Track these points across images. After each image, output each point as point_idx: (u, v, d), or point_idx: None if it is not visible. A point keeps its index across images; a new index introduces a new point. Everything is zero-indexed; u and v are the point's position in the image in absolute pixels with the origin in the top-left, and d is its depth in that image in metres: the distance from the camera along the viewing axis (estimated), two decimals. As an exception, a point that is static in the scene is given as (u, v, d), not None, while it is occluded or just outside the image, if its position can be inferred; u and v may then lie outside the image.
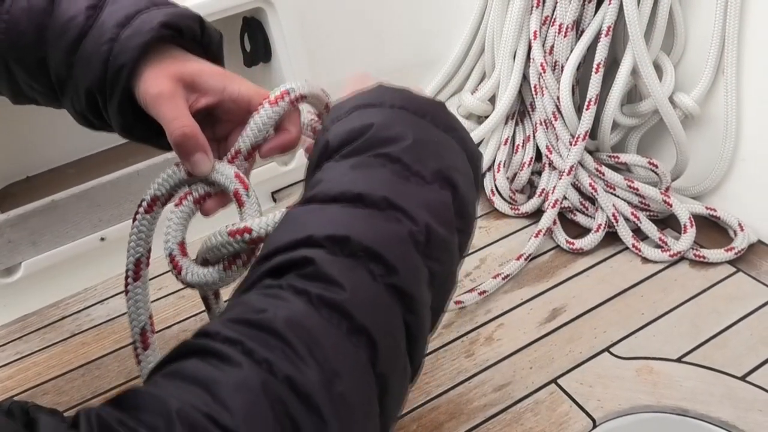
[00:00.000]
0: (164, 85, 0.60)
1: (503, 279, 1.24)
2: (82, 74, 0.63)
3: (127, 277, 0.65)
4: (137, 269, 0.65)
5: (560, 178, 1.33)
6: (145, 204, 0.64)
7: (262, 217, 0.59)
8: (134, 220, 0.64)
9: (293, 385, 0.40)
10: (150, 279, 1.33)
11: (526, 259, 1.28)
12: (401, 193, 0.50)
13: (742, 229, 1.28)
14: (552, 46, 1.33)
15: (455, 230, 0.52)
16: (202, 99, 0.63)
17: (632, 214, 1.32)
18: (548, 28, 1.34)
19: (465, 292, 1.21)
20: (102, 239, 1.28)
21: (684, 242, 1.27)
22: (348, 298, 0.44)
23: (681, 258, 1.28)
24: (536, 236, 1.30)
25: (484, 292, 1.21)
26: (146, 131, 0.66)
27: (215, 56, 0.68)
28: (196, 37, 0.65)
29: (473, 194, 0.56)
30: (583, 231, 1.36)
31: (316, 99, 0.67)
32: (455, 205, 0.52)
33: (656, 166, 1.30)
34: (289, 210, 0.52)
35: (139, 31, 0.61)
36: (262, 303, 0.44)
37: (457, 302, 1.18)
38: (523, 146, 1.43)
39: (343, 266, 0.46)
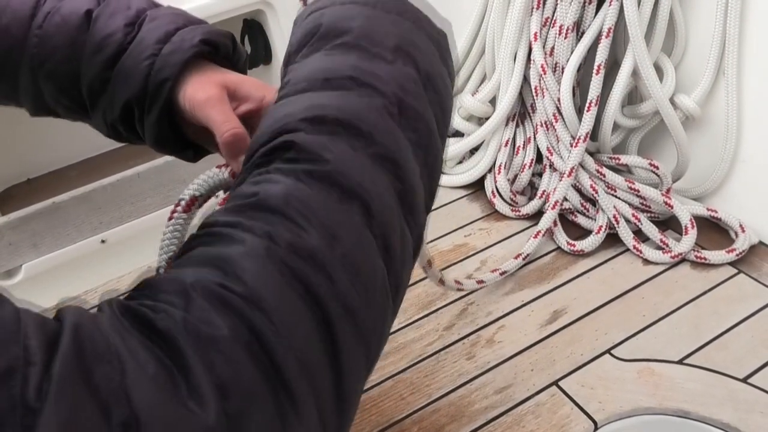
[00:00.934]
0: (212, 91, 0.64)
1: (500, 274, 1.23)
2: (121, 88, 0.66)
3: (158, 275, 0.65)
4: (170, 267, 0.64)
5: (561, 180, 1.33)
6: (183, 203, 0.63)
7: None
8: (170, 218, 0.64)
9: (296, 249, 0.41)
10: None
11: (523, 259, 1.28)
12: (366, 70, 0.50)
13: (743, 231, 1.28)
14: (552, 48, 1.33)
15: (427, 103, 0.52)
16: (242, 106, 0.66)
17: (633, 215, 1.32)
18: (549, 29, 1.33)
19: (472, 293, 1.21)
20: (103, 241, 1.28)
21: (685, 244, 1.27)
22: (334, 168, 0.45)
23: (682, 259, 1.28)
24: (535, 237, 1.30)
25: (482, 281, 1.20)
26: (177, 143, 0.70)
27: (242, 72, 0.72)
28: (228, 54, 0.70)
29: (441, 68, 0.56)
30: (584, 232, 1.35)
31: None
32: (421, 77, 0.53)
33: (657, 168, 1.30)
34: None
35: (180, 47, 0.65)
36: (254, 189, 0.45)
37: (457, 282, 1.16)
38: (523, 148, 1.43)
39: (324, 141, 0.46)
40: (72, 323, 0.35)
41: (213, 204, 0.65)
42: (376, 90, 0.49)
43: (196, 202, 0.64)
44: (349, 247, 0.43)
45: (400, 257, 0.48)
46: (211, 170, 0.64)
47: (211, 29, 0.68)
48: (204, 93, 0.64)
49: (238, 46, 0.71)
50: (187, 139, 0.70)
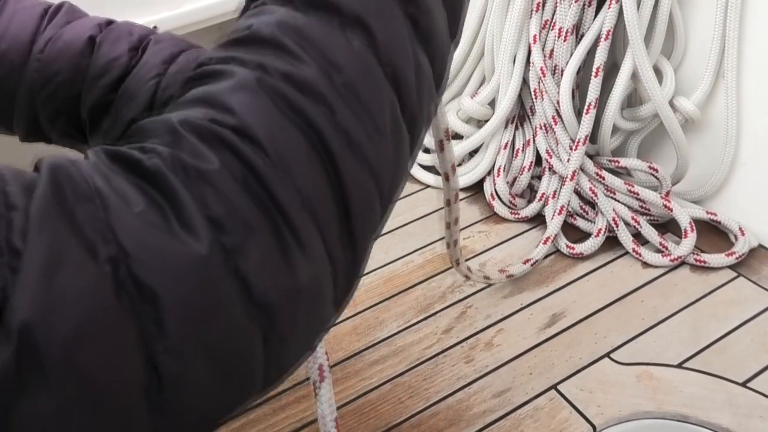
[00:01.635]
0: None
1: (507, 276, 1.23)
2: (126, 107, 0.67)
3: None
4: None
5: (563, 184, 1.33)
6: None
7: None
8: None
9: (291, 79, 0.39)
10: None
11: (532, 265, 1.27)
12: None
13: (742, 234, 1.28)
14: (552, 50, 1.33)
15: None
16: None
17: (632, 218, 1.31)
18: (548, 31, 1.33)
19: (471, 297, 1.21)
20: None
21: (684, 247, 1.27)
22: None
23: (681, 263, 1.27)
24: (544, 243, 1.29)
25: (488, 278, 1.20)
26: None
27: None
28: None
29: None
30: (584, 235, 1.35)
31: None
32: None
33: (656, 171, 1.29)
34: None
35: (186, 67, 0.67)
36: (248, 21, 0.42)
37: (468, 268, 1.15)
38: (522, 150, 1.43)
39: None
40: (49, 166, 0.34)
41: None
42: None
43: None
44: (351, 77, 0.40)
45: (416, 88, 0.44)
46: None
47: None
48: None
49: None
50: None
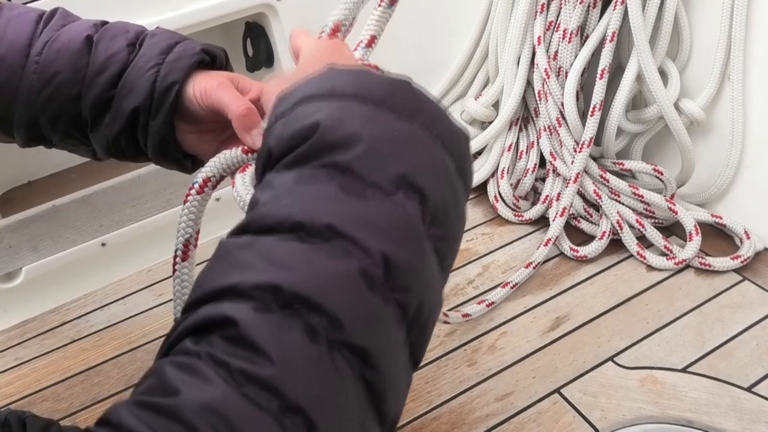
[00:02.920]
0: (221, 78, 0.69)
1: (512, 288, 1.22)
2: (126, 98, 0.69)
3: (175, 257, 0.66)
4: (186, 250, 0.66)
5: (566, 186, 1.32)
6: (197, 185, 0.64)
7: None
8: (185, 202, 0.65)
9: None
10: (153, 284, 1.32)
11: (534, 268, 1.27)
12: (351, 215, 0.42)
13: (748, 237, 1.27)
14: (556, 52, 1.32)
15: (427, 247, 0.44)
16: (246, 95, 0.69)
17: (637, 221, 1.31)
18: (552, 33, 1.33)
19: (471, 302, 1.20)
20: (103, 245, 1.27)
21: (689, 250, 1.26)
22: (277, 372, 0.37)
23: (686, 266, 1.27)
24: (545, 245, 1.29)
25: (492, 303, 1.20)
26: (178, 152, 0.72)
27: None
28: (222, 66, 0.74)
29: (454, 193, 0.47)
30: (587, 238, 1.34)
31: None
32: (428, 212, 0.44)
33: (661, 173, 1.29)
34: (223, 241, 0.45)
35: (183, 55, 0.69)
36: (176, 379, 0.38)
37: (464, 315, 1.16)
38: (526, 152, 1.42)
39: (274, 326, 0.39)
40: None
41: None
42: (357, 245, 0.41)
43: (209, 182, 0.64)
44: None
45: None
46: (222, 153, 0.65)
47: (208, 44, 0.73)
48: (215, 80, 0.68)
49: (229, 60, 0.76)
50: (185, 151, 0.73)
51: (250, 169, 0.62)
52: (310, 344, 0.39)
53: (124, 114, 0.70)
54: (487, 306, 1.19)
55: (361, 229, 0.41)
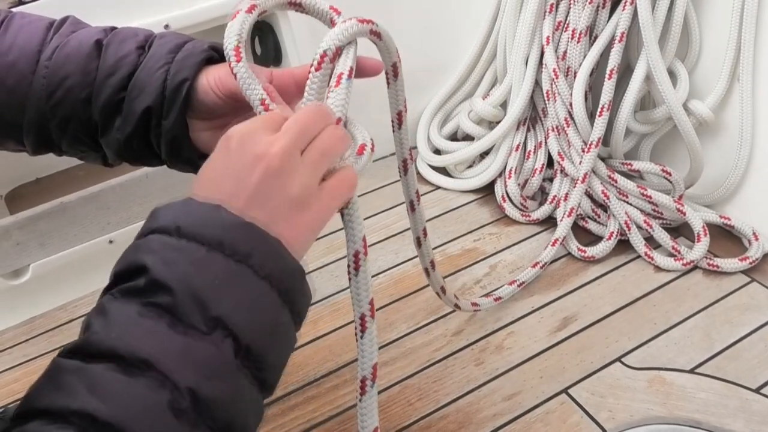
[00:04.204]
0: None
1: (518, 286, 1.22)
2: (137, 100, 0.70)
3: None
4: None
5: (574, 186, 1.32)
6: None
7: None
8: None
9: None
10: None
11: (541, 267, 1.26)
12: (168, 351, 0.47)
13: (756, 239, 1.27)
14: (565, 52, 1.32)
15: (241, 376, 0.49)
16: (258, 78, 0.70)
17: (645, 222, 1.30)
18: (561, 33, 1.32)
19: (480, 296, 1.20)
20: (110, 242, 1.27)
21: (697, 251, 1.25)
22: None
23: (694, 267, 1.26)
24: (553, 245, 1.29)
25: (500, 298, 1.19)
26: (191, 151, 0.72)
27: None
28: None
29: (276, 323, 0.52)
30: (595, 239, 1.34)
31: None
32: (242, 348, 0.49)
33: (670, 174, 1.28)
34: (56, 359, 0.48)
35: (192, 52, 0.70)
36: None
37: (473, 304, 1.16)
38: (534, 152, 1.42)
39: None
40: None
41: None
42: (168, 379, 0.45)
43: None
44: None
45: None
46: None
47: (215, 42, 0.73)
48: (225, 68, 0.68)
49: None
50: (199, 151, 0.72)
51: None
52: None
53: (135, 115, 0.70)
54: (495, 300, 1.19)
55: (175, 364, 0.46)
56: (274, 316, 0.51)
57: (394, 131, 0.78)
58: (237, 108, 0.69)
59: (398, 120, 0.76)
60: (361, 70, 0.64)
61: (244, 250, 0.50)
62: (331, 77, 0.62)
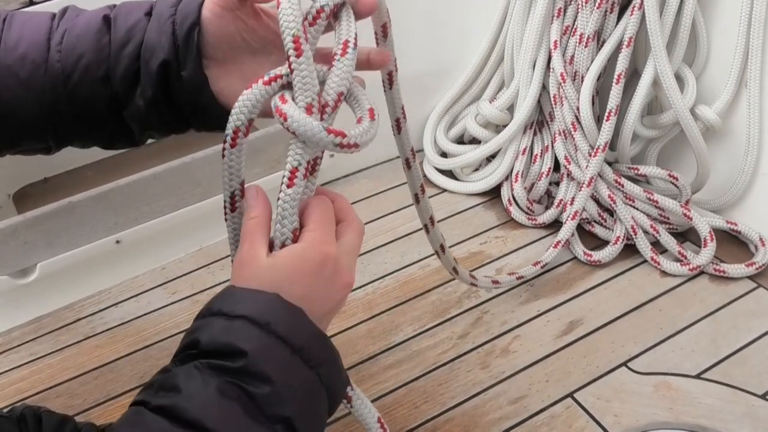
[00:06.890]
0: None
1: (517, 279, 1.22)
2: (152, 59, 0.70)
3: (225, 210, 0.67)
4: (233, 202, 0.67)
5: (580, 190, 1.32)
6: (229, 138, 0.63)
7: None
8: (222, 156, 0.65)
9: None
10: (167, 282, 1.32)
11: (542, 267, 1.26)
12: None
13: (763, 244, 1.26)
14: (572, 56, 1.32)
15: None
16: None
17: (651, 226, 1.30)
18: (569, 37, 1.33)
19: (486, 303, 1.21)
20: (118, 242, 1.28)
21: (704, 256, 1.25)
22: None
23: (700, 272, 1.26)
24: (555, 247, 1.29)
25: (497, 282, 1.20)
26: (214, 105, 0.72)
27: None
28: None
29: (320, 426, 0.60)
30: (601, 243, 1.34)
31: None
32: None
33: (676, 179, 1.28)
34: (141, 409, 0.54)
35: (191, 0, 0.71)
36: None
37: (494, 281, 1.18)
38: (541, 156, 1.42)
39: None
40: None
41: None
42: None
43: (239, 132, 0.62)
44: None
45: None
46: (242, 94, 0.62)
47: None
48: None
49: None
50: (219, 104, 0.72)
51: None
52: None
53: (153, 73, 0.70)
54: (493, 283, 1.20)
55: None
56: (323, 419, 0.60)
57: (394, 133, 0.80)
58: (247, 48, 0.70)
59: (397, 126, 0.79)
60: (357, 15, 0.66)
61: (317, 360, 0.57)
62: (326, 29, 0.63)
